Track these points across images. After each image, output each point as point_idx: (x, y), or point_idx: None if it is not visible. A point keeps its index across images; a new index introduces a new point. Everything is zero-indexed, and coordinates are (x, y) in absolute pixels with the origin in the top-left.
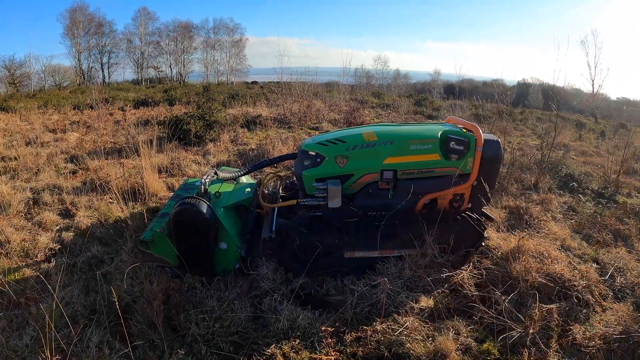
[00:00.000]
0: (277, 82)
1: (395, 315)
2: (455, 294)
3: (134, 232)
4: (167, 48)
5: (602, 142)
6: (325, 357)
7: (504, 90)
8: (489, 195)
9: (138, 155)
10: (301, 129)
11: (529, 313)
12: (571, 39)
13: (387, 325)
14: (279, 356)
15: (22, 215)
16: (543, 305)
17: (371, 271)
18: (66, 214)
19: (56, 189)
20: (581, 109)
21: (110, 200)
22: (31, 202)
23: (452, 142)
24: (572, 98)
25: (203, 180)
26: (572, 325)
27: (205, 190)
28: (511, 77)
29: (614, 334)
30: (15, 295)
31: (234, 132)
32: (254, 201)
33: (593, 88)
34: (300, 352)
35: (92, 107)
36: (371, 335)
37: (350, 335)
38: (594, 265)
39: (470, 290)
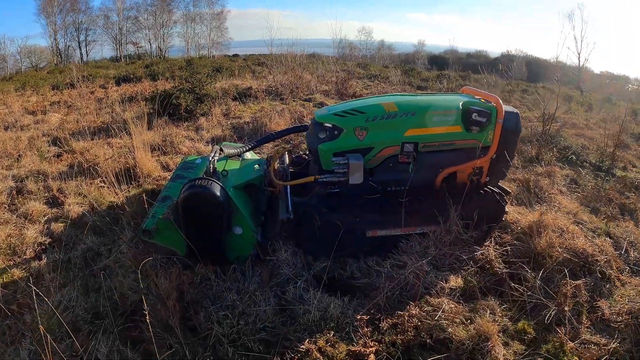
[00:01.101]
0: (261, 55)
1: (428, 297)
2: (483, 271)
3: (131, 218)
4: (145, 23)
5: (590, 115)
6: (364, 349)
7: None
8: (508, 168)
9: (127, 134)
10: (294, 101)
11: (561, 290)
12: (560, 13)
13: (422, 308)
14: (315, 352)
15: (5, 207)
16: (572, 281)
17: (394, 250)
18: (54, 202)
19: (41, 175)
20: (566, 82)
21: (102, 184)
22: (14, 192)
23: (475, 114)
24: (556, 70)
25: (211, 157)
26: (599, 300)
27: (214, 169)
28: (495, 48)
29: None
30: (4, 303)
31: (226, 105)
32: (265, 179)
33: (579, 62)
34: (337, 346)
35: (72, 86)
36: (408, 321)
37: (386, 322)
38: (608, 239)
39: (500, 268)
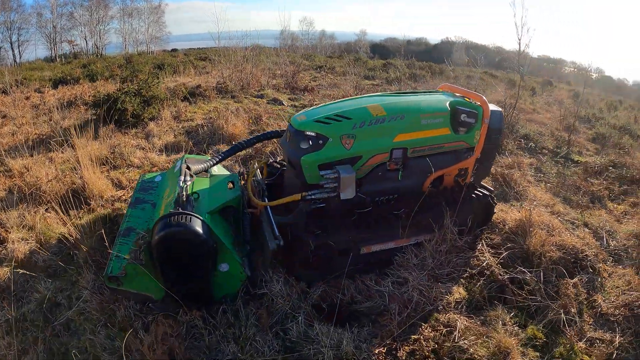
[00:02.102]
0: (200, 49)
1: (437, 315)
2: (482, 277)
3: (88, 254)
4: (81, 19)
5: (535, 98)
6: None
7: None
8: (491, 167)
9: (69, 146)
10: (246, 98)
11: (561, 290)
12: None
13: (436, 329)
14: None
15: None
16: (570, 280)
17: (391, 265)
18: None
19: None
20: (506, 67)
21: (47, 213)
22: None
23: (463, 115)
24: (495, 55)
25: (181, 182)
26: (595, 295)
27: (187, 197)
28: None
29: (635, 302)
30: None
31: (175, 107)
32: (243, 199)
33: (519, 47)
34: None
35: (4, 92)
36: (426, 346)
37: (404, 351)
38: (587, 230)
39: (500, 274)
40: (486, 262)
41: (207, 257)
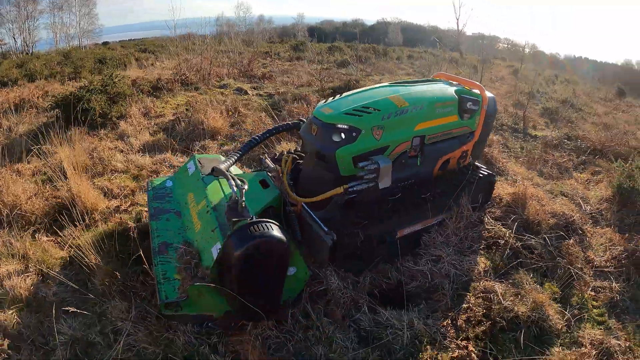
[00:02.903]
0: (138, 40)
1: (473, 284)
2: (498, 246)
3: (110, 278)
4: (8, 16)
5: (477, 76)
6: (463, 352)
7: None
8: (484, 148)
9: (38, 155)
10: (209, 89)
11: (564, 250)
12: None
13: (478, 296)
14: None
15: None
16: (569, 241)
17: (418, 246)
18: None
19: None
20: (444, 45)
21: (38, 236)
22: None
23: (469, 103)
24: (431, 35)
25: (234, 188)
26: (588, 252)
27: (244, 205)
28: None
29: (621, 255)
30: None
31: (142, 102)
32: (285, 197)
33: (458, 26)
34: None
35: None
36: (477, 312)
37: (461, 319)
38: (565, 198)
39: (514, 242)
40: (500, 233)
41: (287, 263)
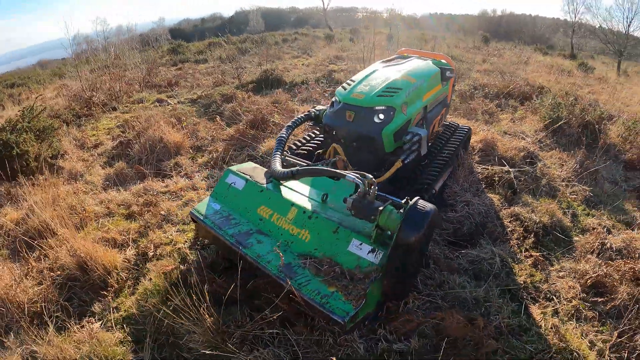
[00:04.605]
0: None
1: (500, 213)
2: (497, 182)
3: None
4: None
5: (357, 46)
6: (534, 257)
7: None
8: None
9: None
10: (128, 107)
11: (539, 171)
12: None
13: (511, 221)
14: None
15: None
16: (538, 165)
17: (442, 195)
18: None
19: None
20: (311, 24)
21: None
22: None
23: (447, 72)
24: (290, 15)
25: (357, 180)
26: (548, 170)
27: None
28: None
29: (573, 168)
30: None
31: (70, 134)
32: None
33: (324, 4)
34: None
35: None
36: (519, 230)
37: (514, 239)
38: (509, 135)
39: (504, 174)
40: (492, 172)
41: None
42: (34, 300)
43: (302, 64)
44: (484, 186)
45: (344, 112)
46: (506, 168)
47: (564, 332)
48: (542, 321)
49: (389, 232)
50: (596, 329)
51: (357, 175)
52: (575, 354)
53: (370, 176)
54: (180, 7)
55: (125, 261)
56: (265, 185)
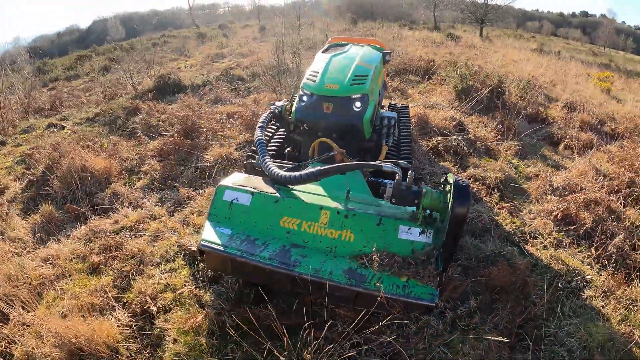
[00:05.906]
0: None
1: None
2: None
3: None
4: None
5: (231, 41)
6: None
7: None
8: None
9: None
10: (18, 139)
11: (480, 136)
12: None
13: (482, 183)
14: None
15: None
16: (474, 130)
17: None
18: None
19: None
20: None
21: None
22: None
23: (387, 55)
24: (152, 19)
25: (391, 167)
26: (482, 132)
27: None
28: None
29: (497, 125)
30: None
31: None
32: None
33: (189, 3)
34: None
35: None
36: (496, 192)
37: (494, 199)
38: (428, 109)
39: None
40: (435, 142)
41: None
42: None
43: (184, 66)
44: (433, 156)
45: (320, 104)
46: (452, 137)
47: (563, 258)
48: (541, 255)
49: (428, 212)
50: (578, 250)
51: (392, 163)
52: (577, 270)
53: (405, 162)
54: (32, 25)
55: (124, 328)
56: (277, 194)
